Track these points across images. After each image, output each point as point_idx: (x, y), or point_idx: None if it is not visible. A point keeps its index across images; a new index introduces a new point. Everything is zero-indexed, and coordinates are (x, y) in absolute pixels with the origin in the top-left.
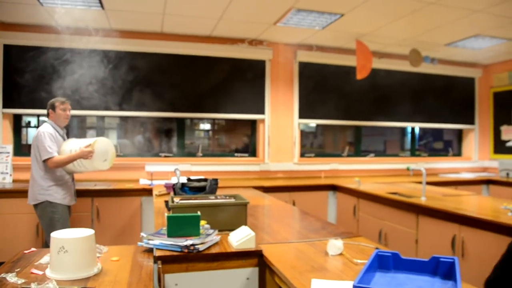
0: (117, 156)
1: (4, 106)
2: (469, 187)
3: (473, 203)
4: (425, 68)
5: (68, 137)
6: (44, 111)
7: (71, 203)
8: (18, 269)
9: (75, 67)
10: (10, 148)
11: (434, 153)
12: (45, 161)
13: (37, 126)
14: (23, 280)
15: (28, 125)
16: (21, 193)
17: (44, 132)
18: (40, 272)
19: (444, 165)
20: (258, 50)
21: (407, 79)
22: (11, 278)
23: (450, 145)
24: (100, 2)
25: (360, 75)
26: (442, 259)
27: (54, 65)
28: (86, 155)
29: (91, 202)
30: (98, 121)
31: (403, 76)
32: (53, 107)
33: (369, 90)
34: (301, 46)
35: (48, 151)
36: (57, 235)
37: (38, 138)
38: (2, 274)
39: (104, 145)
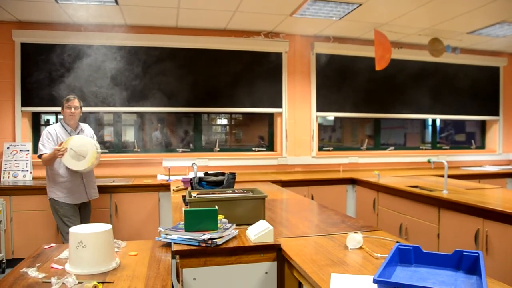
0: (134, 152)
1: (23, 104)
2: (493, 180)
3: (497, 197)
4: (447, 58)
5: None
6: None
7: (74, 201)
8: (39, 264)
9: (90, 63)
10: (29, 146)
11: (456, 145)
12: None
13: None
14: (43, 275)
15: (46, 123)
16: (41, 190)
17: (45, 130)
18: (60, 267)
19: (466, 158)
20: (275, 42)
21: (427, 70)
22: (32, 272)
23: (473, 138)
24: None
25: (379, 66)
26: (465, 253)
27: (70, 62)
28: (56, 153)
29: (110, 198)
30: (115, 117)
31: (424, 67)
32: (62, 106)
33: (389, 81)
34: (318, 38)
35: (40, 149)
36: (75, 230)
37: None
38: (23, 269)
39: (80, 144)
